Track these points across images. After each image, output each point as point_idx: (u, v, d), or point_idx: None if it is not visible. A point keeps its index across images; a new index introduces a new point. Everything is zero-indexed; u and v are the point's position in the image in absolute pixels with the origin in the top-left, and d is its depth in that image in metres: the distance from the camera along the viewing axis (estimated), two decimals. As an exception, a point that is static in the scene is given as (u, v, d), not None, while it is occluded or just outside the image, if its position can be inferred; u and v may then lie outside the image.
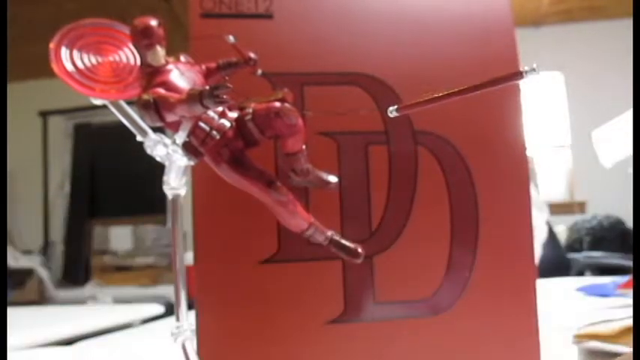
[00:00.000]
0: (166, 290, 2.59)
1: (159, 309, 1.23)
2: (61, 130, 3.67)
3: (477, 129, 0.37)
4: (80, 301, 2.62)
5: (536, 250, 0.40)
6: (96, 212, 3.60)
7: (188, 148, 0.27)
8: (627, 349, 0.41)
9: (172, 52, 0.29)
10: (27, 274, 2.93)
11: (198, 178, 0.34)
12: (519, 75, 0.22)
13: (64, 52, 0.29)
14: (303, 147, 0.28)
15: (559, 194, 3.11)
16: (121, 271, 3.34)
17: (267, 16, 0.37)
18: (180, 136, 0.27)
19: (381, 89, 0.37)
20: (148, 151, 0.30)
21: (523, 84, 0.27)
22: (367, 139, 0.36)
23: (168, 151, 0.29)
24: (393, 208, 0.36)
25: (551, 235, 2.09)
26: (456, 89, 0.24)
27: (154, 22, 0.28)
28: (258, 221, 0.35)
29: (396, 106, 0.26)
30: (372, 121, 0.36)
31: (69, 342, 0.82)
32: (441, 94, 0.25)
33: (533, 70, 0.22)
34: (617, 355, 0.41)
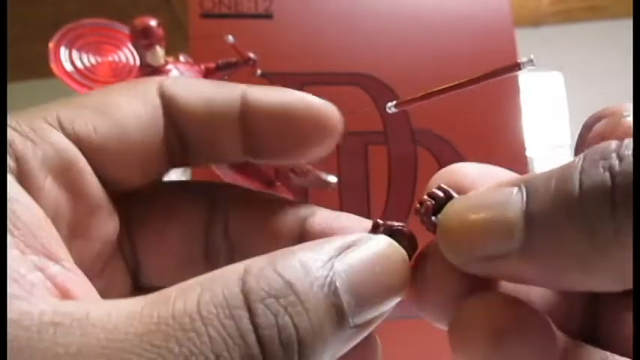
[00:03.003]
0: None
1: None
2: (60, 130, 3.67)
3: (476, 129, 0.37)
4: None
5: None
6: (96, 212, 3.60)
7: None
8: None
9: (172, 52, 0.29)
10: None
11: (198, 178, 0.34)
12: (517, 66, 0.22)
13: (63, 52, 0.29)
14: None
15: (559, 194, 3.10)
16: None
17: (267, 16, 0.37)
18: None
19: (380, 89, 0.37)
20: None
21: (521, 75, 0.27)
22: (367, 139, 0.36)
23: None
24: (392, 207, 0.36)
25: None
26: (454, 83, 0.24)
27: (153, 22, 0.28)
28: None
29: (394, 102, 0.26)
30: (372, 121, 0.36)
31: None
32: (439, 88, 0.25)
33: (531, 61, 0.22)
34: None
